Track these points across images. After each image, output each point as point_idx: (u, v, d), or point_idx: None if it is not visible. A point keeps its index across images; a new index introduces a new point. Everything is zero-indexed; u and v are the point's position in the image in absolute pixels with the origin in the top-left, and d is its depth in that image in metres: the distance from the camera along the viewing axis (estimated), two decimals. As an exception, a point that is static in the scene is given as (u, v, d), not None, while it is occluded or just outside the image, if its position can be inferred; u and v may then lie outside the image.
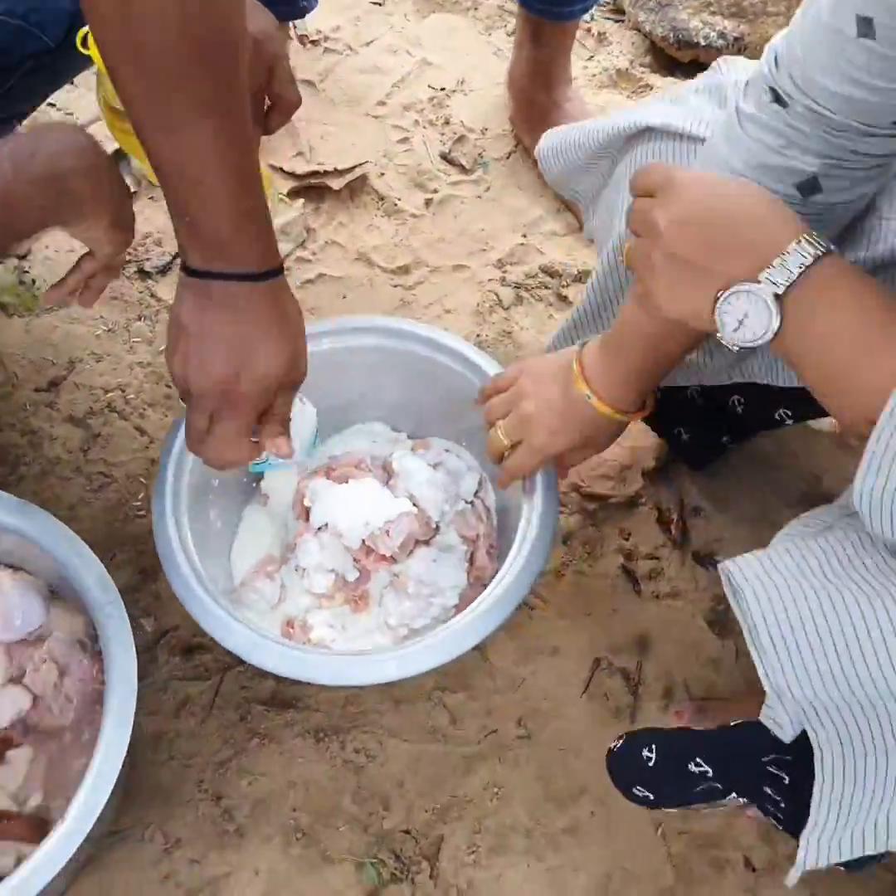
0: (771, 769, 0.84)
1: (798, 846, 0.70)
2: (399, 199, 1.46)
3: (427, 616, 1.04)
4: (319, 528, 1.07)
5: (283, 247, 1.39)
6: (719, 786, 0.92)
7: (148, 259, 1.39)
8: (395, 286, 1.39)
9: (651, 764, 0.91)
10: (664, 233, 0.68)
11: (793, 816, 0.89)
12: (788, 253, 0.63)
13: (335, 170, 1.46)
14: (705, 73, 0.93)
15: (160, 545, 0.98)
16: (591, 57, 1.62)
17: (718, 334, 0.67)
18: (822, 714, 0.62)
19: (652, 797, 0.94)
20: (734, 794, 0.97)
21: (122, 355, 1.31)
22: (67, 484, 1.21)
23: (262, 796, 1.05)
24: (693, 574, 1.18)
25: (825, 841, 0.66)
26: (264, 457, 0.91)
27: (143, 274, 1.38)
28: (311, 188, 1.45)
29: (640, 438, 1.26)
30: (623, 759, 0.96)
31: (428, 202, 1.47)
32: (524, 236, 1.44)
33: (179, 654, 1.12)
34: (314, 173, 1.46)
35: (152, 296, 1.37)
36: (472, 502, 1.12)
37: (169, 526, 0.98)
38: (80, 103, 1.50)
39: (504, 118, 1.55)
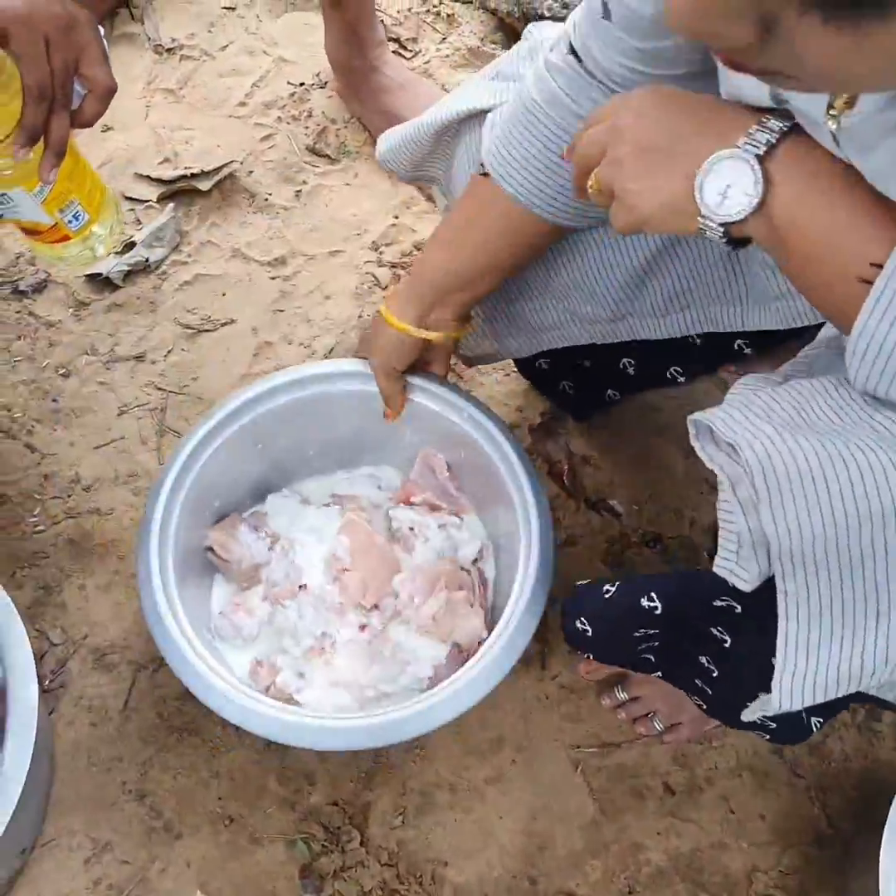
0: (714, 631, 0.84)
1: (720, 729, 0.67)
2: (269, 194, 1.48)
3: (397, 684, 1.02)
4: (300, 587, 1.06)
5: (158, 252, 1.40)
6: (651, 657, 0.94)
7: (21, 278, 1.38)
8: (273, 278, 1.40)
9: (607, 596, 0.93)
10: (627, 130, 0.68)
11: (723, 689, 0.90)
12: (766, 120, 0.63)
13: (202, 172, 1.47)
14: (520, 41, 0.96)
15: (146, 608, 0.95)
16: (444, 39, 1.65)
17: (700, 218, 0.65)
18: (796, 562, 0.61)
19: (589, 632, 0.95)
20: (660, 673, 0.99)
21: (4, 375, 1.31)
22: (-40, 508, 1.21)
23: (188, 789, 1.05)
24: (588, 519, 1.21)
25: (798, 683, 0.65)
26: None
27: (19, 293, 1.37)
28: (180, 192, 1.46)
29: (525, 398, 1.29)
30: (584, 591, 0.97)
31: (298, 194, 1.48)
32: (396, 217, 1.46)
33: (91, 661, 1.12)
34: (182, 177, 1.47)
35: (30, 314, 1.36)
36: (468, 570, 1.09)
37: (156, 590, 0.95)
38: None
39: (364, 106, 1.56)
